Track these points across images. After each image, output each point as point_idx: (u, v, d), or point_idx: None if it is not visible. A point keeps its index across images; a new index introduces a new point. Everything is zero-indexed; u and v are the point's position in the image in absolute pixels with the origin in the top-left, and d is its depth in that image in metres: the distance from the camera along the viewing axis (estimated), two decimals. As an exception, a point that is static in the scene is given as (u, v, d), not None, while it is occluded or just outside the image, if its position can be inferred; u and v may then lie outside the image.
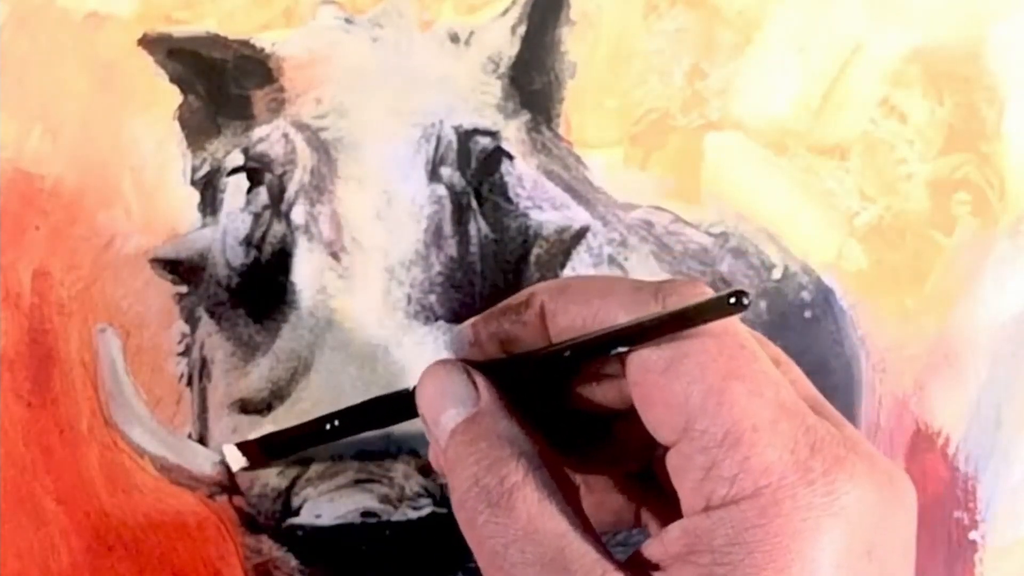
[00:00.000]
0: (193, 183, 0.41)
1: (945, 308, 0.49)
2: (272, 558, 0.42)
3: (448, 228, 0.42)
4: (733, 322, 0.29)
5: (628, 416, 0.31)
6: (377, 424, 0.38)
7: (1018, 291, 0.49)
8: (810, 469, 0.27)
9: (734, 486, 0.27)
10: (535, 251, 0.44)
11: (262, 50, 0.42)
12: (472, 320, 0.34)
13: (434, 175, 0.42)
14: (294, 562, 0.42)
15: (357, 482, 0.41)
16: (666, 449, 0.29)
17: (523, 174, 0.44)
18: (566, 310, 0.31)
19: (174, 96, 0.41)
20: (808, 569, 0.26)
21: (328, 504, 0.41)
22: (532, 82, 0.44)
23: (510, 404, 0.32)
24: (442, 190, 0.42)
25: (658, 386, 0.28)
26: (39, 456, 0.40)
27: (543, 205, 0.44)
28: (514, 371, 0.33)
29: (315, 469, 0.41)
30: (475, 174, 0.43)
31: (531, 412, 0.33)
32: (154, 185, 0.41)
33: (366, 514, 0.41)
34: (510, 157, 0.43)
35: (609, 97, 0.45)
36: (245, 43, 0.41)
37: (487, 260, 0.43)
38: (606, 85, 0.45)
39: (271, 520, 0.42)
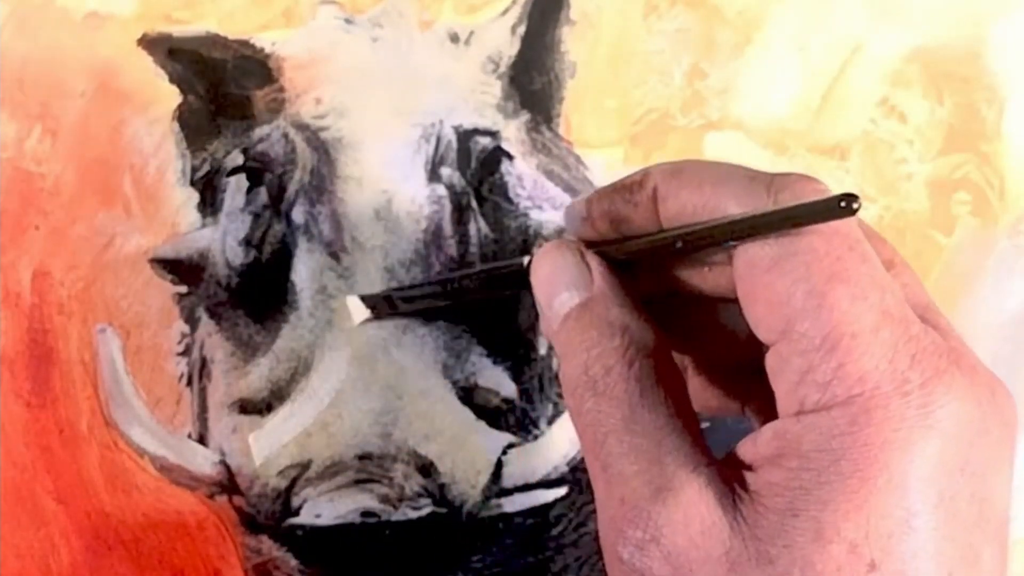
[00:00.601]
0: (193, 183, 0.41)
1: (945, 308, 0.48)
2: (272, 558, 0.42)
3: (448, 228, 0.42)
4: (847, 221, 0.27)
5: (735, 306, 0.30)
6: (489, 292, 0.37)
7: (1018, 291, 0.49)
8: (907, 380, 0.26)
9: (827, 392, 0.26)
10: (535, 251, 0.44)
11: (262, 50, 0.42)
12: (586, 195, 0.33)
13: (434, 175, 0.42)
14: (294, 562, 0.42)
15: (357, 482, 0.41)
16: (768, 347, 0.28)
17: (523, 174, 0.44)
18: (677, 195, 0.30)
19: (174, 96, 0.41)
20: (895, 481, 0.25)
21: (328, 504, 0.41)
22: (532, 82, 0.44)
23: (622, 289, 0.31)
24: (442, 190, 0.42)
25: (762, 283, 0.28)
26: (39, 456, 0.40)
27: (543, 205, 0.44)
28: (625, 253, 0.32)
29: (315, 469, 0.41)
30: (475, 174, 0.43)
31: (640, 293, 0.32)
32: (154, 185, 0.41)
33: (366, 514, 0.41)
34: (510, 157, 0.43)
35: (609, 97, 0.45)
36: (245, 43, 0.41)
37: (487, 260, 0.43)
38: (606, 85, 0.45)
39: (271, 520, 0.42)
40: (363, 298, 0.41)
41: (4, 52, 0.40)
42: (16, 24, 0.40)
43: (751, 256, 0.28)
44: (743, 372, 0.33)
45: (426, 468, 0.42)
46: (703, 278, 0.32)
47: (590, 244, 0.33)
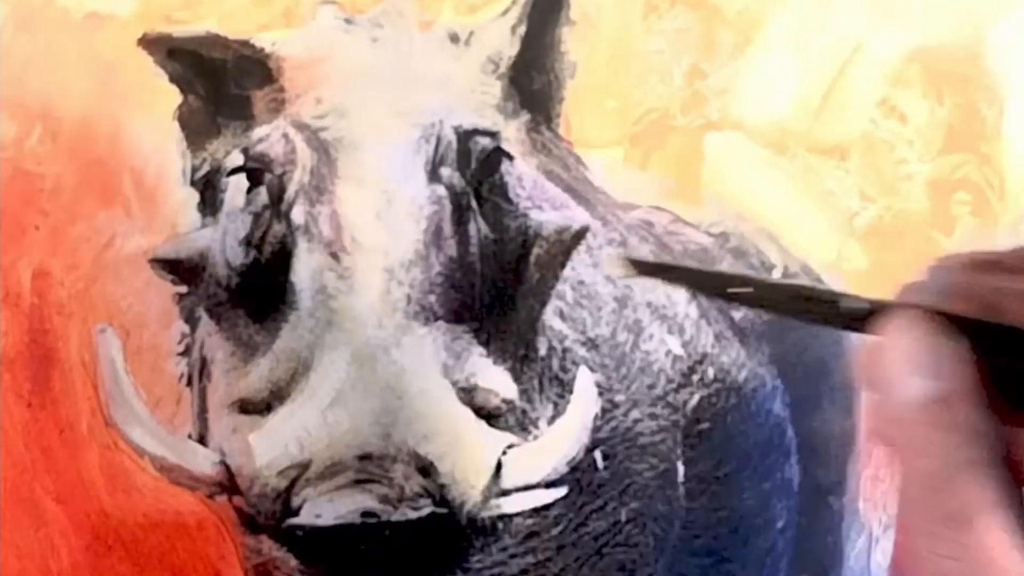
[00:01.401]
0: (193, 183, 0.41)
1: (945, 308, 0.49)
2: (272, 558, 0.42)
3: (448, 228, 0.42)
4: None
5: None
6: (789, 313, 0.33)
7: (1018, 291, 0.49)
8: None
9: None
10: (535, 251, 0.44)
11: (262, 50, 0.42)
12: (954, 260, 0.28)
13: (434, 175, 0.42)
14: (294, 562, 0.42)
15: (357, 482, 0.41)
16: None
17: (523, 174, 0.44)
18: None
19: (174, 96, 0.41)
20: None
21: (328, 504, 0.41)
22: (532, 82, 0.44)
23: (983, 385, 0.26)
24: (442, 190, 0.42)
25: None
26: (39, 456, 0.40)
27: (543, 205, 0.44)
28: (997, 341, 0.27)
29: (315, 469, 0.41)
30: (475, 174, 0.43)
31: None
32: (154, 185, 0.41)
33: (366, 514, 0.41)
34: (510, 157, 0.43)
35: (609, 97, 0.45)
36: (245, 43, 0.41)
37: (487, 260, 0.43)
38: (606, 85, 0.45)
39: (271, 520, 0.42)
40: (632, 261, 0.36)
41: (4, 52, 0.40)
42: (16, 24, 0.40)
43: None
44: None
45: (426, 468, 0.42)
46: None
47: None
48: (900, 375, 0.26)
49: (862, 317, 0.28)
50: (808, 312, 0.30)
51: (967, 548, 0.25)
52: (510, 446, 0.42)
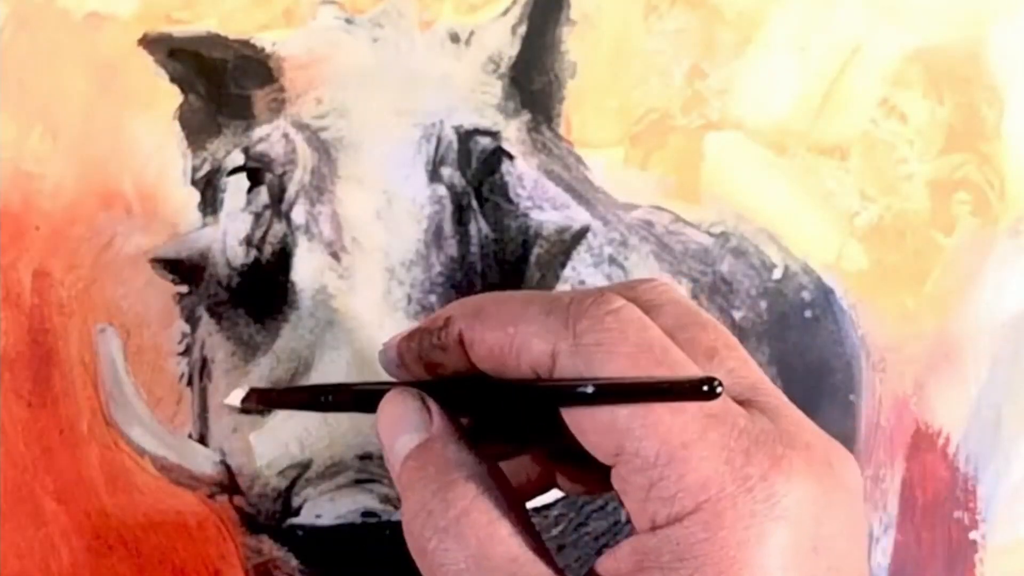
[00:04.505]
0: (193, 183, 0.41)
1: (945, 308, 0.49)
2: (272, 558, 0.42)
3: (448, 228, 0.42)
4: (645, 326, 0.29)
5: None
6: (366, 410, 0.38)
7: (1018, 291, 0.49)
8: (748, 476, 0.27)
9: (675, 505, 0.27)
10: (535, 251, 0.44)
11: (262, 50, 0.42)
12: (395, 340, 0.34)
13: (434, 175, 0.42)
14: (294, 562, 0.42)
15: (357, 482, 0.41)
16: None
17: (523, 174, 0.44)
18: (483, 339, 0.31)
19: (174, 96, 0.41)
20: (756, 575, 0.26)
21: (328, 504, 0.41)
22: (532, 82, 0.44)
23: (461, 428, 0.32)
24: (442, 190, 0.42)
25: (585, 413, 0.29)
26: (39, 456, 0.40)
27: (543, 205, 0.44)
28: (464, 394, 0.33)
29: (315, 469, 0.41)
30: (475, 174, 0.43)
31: (490, 433, 0.33)
32: (154, 185, 0.41)
33: (366, 514, 0.41)
34: (510, 157, 0.43)
35: (609, 97, 0.45)
36: (245, 43, 0.41)
37: (487, 260, 0.43)
38: (606, 85, 0.45)
39: (271, 520, 0.42)
40: (250, 390, 0.40)
41: (4, 52, 0.40)
42: (16, 24, 0.40)
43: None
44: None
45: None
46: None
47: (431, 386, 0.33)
48: (390, 438, 0.32)
49: (373, 401, 0.33)
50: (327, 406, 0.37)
51: (468, 547, 0.28)
52: (510, 446, 0.42)
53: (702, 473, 0.27)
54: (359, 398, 0.36)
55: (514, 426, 0.35)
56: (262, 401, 0.40)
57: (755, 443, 0.27)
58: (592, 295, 0.29)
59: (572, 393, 0.29)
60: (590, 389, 0.28)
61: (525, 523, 0.30)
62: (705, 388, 0.27)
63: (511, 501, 0.30)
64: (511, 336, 0.30)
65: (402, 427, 0.32)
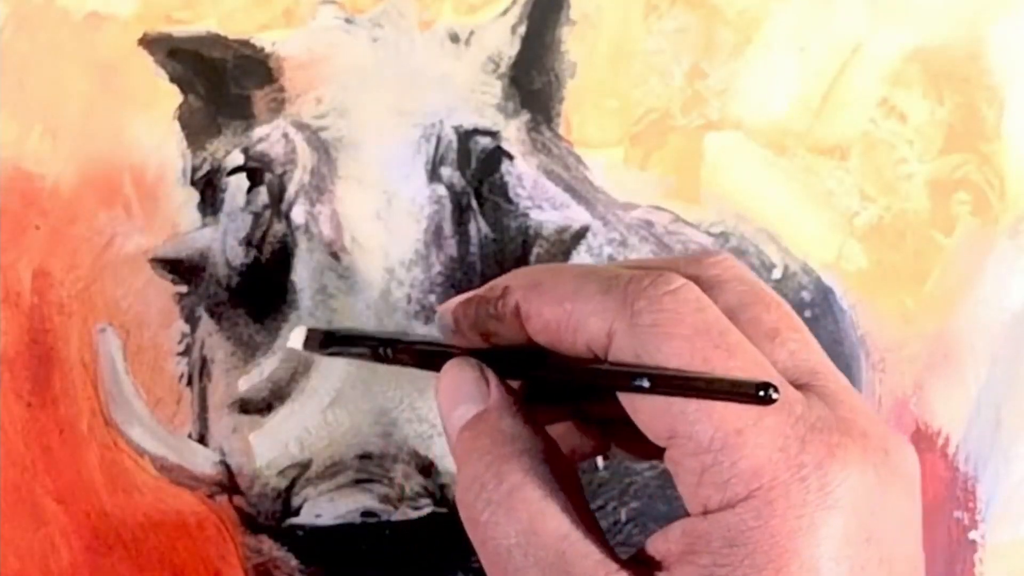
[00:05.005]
0: (193, 183, 0.41)
1: (945, 308, 0.49)
2: (272, 558, 0.42)
3: (448, 228, 0.42)
4: (702, 306, 0.28)
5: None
6: (427, 367, 0.37)
7: (1018, 291, 0.49)
8: (802, 465, 0.27)
9: (727, 491, 0.27)
10: (535, 251, 0.44)
11: (262, 50, 0.42)
12: (452, 305, 0.34)
13: (434, 175, 0.42)
14: (294, 562, 0.42)
15: (357, 482, 0.41)
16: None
17: (523, 174, 0.44)
18: (540, 312, 0.31)
19: (174, 96, 0.41)
20: (807, 566, 0.26)
21: (328, 504, 0.41)
22: (532, 82, 0.44)
23: (519, 400, 0.32)
24: (442, 190, 0.42)
25: (640, 396, 0.28)
26: (39, 456, 0.40)
27: (543, 205, 0.44)
28: (521, 365, 0.33)
29: (315, 469, 0.41)
30: (475, 174, 0.43)
31: (544, 397, 0.33)
32: (154, 185, 0.41)
33: (366, 514, 0.41)
34: (510, 157, 0.43)
35: (609, 97, 0.45)
36: (245, 43, 0.41)
37: (487, 260, 0.43)
38: (606, 85, 0.45)
39: (271, 520, 0.42)
40: (310, 330, 0.40)
41: (4, 52, 0.40)
42: (16, 24, 0.40)
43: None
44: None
45: (426, 468, 0.42)
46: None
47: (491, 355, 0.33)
48: (448, 408, 0.32)
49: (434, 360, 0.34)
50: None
51: (519, 521, 0.29)
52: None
53: (755, 460, 0.26)
54: (421, 356, 0.36)
55: (570, 397, 0.34)
56: (324, 344, 0.39)
57: (811, 430, 0.27)
58: (651, 275, 0.29)
59: (629, 385, 0.28)
60: (646, 383, 0.28)
61: (577, 499, 0.29)
62: (761, 393, 0.26)
63: (565, 476, 0.30)
64: (568, 312, 0.30)
65: (460, 397, 0.32)
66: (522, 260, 0.43)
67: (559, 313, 0.30)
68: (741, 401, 0.27)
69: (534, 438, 0.30)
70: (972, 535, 0.49)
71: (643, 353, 0.28)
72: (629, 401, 0.29)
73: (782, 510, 0.26)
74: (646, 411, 0.28)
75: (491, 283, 0.33)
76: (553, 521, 0.28)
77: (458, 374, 0.33)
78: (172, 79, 0.41)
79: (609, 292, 0.29)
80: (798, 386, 0.29)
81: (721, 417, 0.27)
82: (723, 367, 0.27)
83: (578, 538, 0.28)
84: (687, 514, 0.28)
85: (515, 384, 0.33)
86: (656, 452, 0.29)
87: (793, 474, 0.26)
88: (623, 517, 0.45)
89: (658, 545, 0.28)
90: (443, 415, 0.33)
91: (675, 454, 0.28)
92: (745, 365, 0.28)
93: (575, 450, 0.35)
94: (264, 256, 0.42)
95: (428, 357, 0.35)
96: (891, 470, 0.28)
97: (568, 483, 0.30)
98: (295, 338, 0.38)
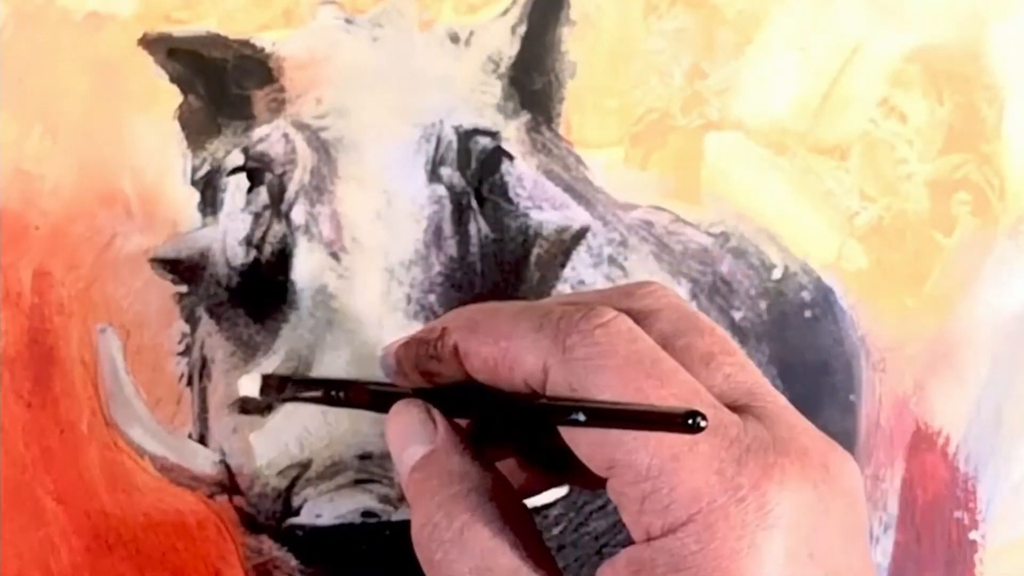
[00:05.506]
0: (193, 183, 0.41)
1: (945, 308, 0.49)
2: (272, 558, 0.42)
3: (448, 228, 0.42)
4: (634, 337, 0.29)
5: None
6: (378, 409, 0.38)
7: (1018, 291, 0.49)
8: (739, 486, 0.27)
9: (668, 516, 0.27)
10: (535, 251, 0.44)
11: (262, 50, 0.42)
12: (394, 347, 0.35)
13: (434, 175, 0.42)
14: (294, 562, 0.42)
15: (357, 482, 0.41)
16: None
17: (523, 174, 0.44)
18: (477, 352, 0.31)
19: (174, 96, 0.41)
20: None
21: (328, 504, 0.41)
22: (532, 82, 0.44)
23: (466, 438, 0.33)
24: (442, 190, 0.42)
25: (578, 429, 0.29)
26: (39, 456, 0.40)
27: (543, 205, 0.44)
28: (465, 403, 0.34)
29: (315, 469, 0.41)
30: (475, 174, 0.43)
31: (491, 434, 0.34)
32: (154, 185, 0.41)
33: (366, 514, 0.41)
34: (510, 157, 0.43)
35: (609, 97, 0.45)
36: (245, 43, 0.41)
37: (487, 260, 0.43)
38: (606, 85, 0.45)
39: (271, 520, 0.42)
40: (265, 377, 0.40)
41: (4, 52, 0.40)
42: (16, 24, 0.40)
43: None
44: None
45: (426, 468, 0.42)
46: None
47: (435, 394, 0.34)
48: (398, 449, 0.33)
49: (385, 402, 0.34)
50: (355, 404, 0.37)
51: (472, 559, 0.29)
52: (510, 446, 0.42)
53: (693, 485, 0.27)
54: (374, 397, 0.37)
55: (516, 432, 0.35)
56: (278, 388, 0.40)
57: (747, 452, 0.27)
58: (583, 309, 0.29)
59: (564, 418, 0.29)
60: (582, 417, 0.28)
61: (528, 532, 0.30)
62: (689, 421, 0.27)
63: (514, 510, 0.30)
64: (504, 350, 0.30)
65: (408, 438, 0.33)
66: (522, 260, 0.44)
67: (496, 351, 0.31)
68: (670, 430, 0.27)
69: (483, 475, 0.31)
70: (972, 535, 0.49)
71: (578, 386, 0.29)
72: (569, 434, 0.29)
73: (723, 532, 0.26)
74: (585, 443, 0.29)
75: (429, 324, 0.34)
76: (503, 557, 0.29)
77: (406, 415, 0.33)
78: (172, 79, 0.41)
79: (542, 328, 0.30)
80: (736, 408, 0.29)
81: (657, 445, 0.27)
82: (656, 396, 0.28)
83: (528, 572, 0.29)
84: (632, 542, 0.28)
85: (463, 423, 0.34)
86: (601, 482, 0.29)
87: (731, 496, 0.27)
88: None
89: (606, 574, 0.29)
90: (394, 456, 0.33)
91: (616, 484, 0.28)
92: (679, 392, 0.28)
93: (525, 484, 0.36)
94: (264, 256, 0.42)
95: (381, 398, 0.35)
96: (832, 486, 0.28)
97: (518, 517, 0.30)
98: (248, 385, 0.39)
